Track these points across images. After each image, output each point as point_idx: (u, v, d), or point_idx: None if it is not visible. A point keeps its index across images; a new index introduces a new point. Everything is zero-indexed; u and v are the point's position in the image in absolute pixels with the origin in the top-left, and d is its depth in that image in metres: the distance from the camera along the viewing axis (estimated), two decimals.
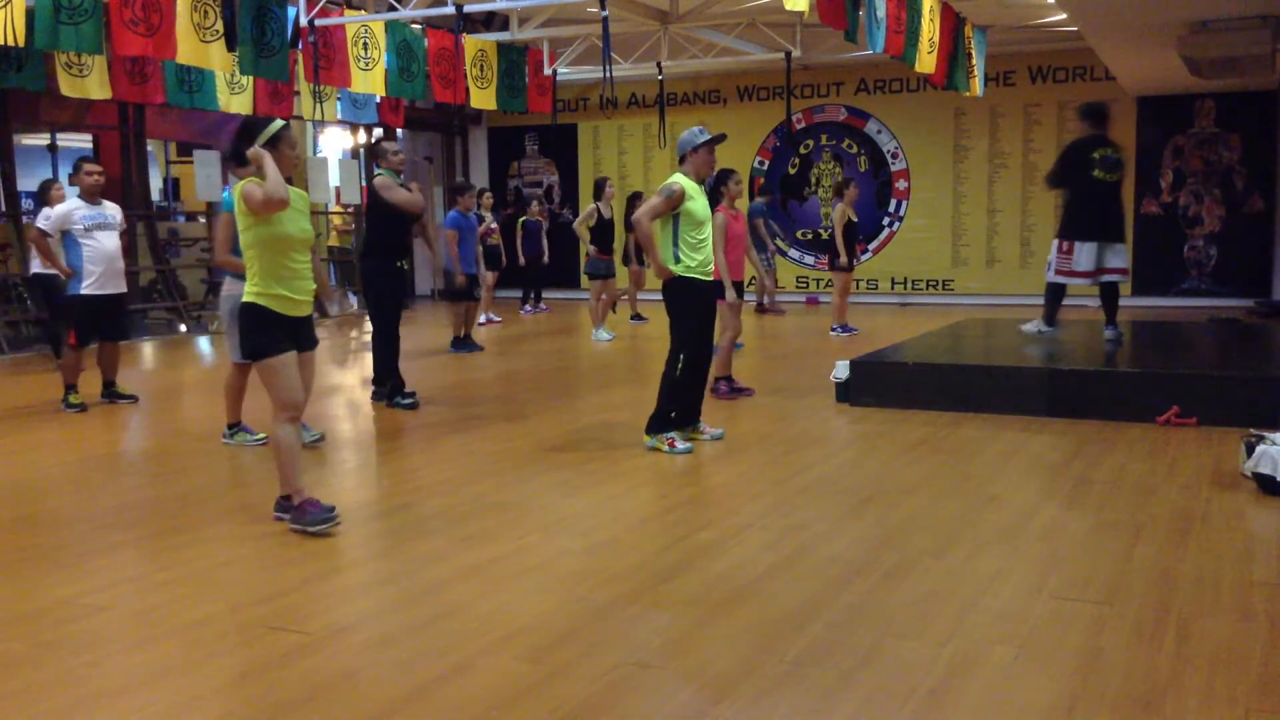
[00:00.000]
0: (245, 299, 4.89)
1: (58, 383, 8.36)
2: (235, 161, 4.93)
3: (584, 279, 13.66)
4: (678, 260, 6.47)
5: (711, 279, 6.68)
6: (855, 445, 6.85)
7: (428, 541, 4.89)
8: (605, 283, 12.74)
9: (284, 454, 4.94)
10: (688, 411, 6.73)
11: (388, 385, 8.25)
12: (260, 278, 4.84)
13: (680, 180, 6.46)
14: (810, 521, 5.01)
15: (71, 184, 8.29)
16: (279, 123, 4.88)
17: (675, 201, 6.40)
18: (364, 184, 17.45)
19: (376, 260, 8.17)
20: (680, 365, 6.52)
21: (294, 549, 4.70)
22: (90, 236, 7.91)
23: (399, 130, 17.84)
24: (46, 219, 8.10)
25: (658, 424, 6.56)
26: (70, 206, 8.00)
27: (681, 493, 5.74)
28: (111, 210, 8.13)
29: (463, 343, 11.60)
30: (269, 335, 4.84)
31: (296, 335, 4.93)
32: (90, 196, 8.01)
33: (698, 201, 6.48)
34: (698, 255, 6.49)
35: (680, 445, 6.49)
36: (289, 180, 4.93)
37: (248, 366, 6.80)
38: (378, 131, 15.00)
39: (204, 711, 3.16)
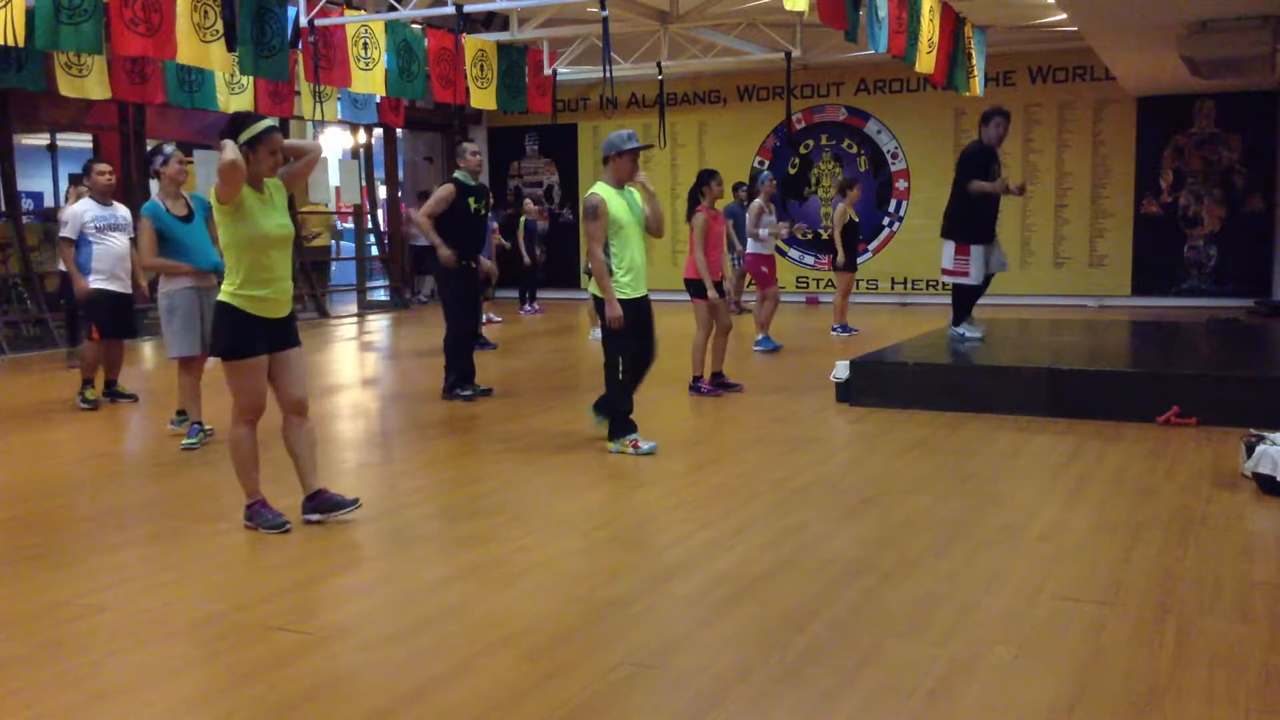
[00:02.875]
0: (221, 298, 4.87)
1: (57, 383, 8.37)
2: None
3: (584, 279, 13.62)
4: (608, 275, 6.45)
5: (640, 294, 6.60)
6: (855, 445, 6.86)
7: (428, 541, 4.90)
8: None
9: (238, 456, 4.95)
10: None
11: (452, 377, 8.42)
12: (238, 278, 4.81)
13: (599, 191, 6.45)
14: (810, 521, 5.01)
15: (84, 183, 8.30)
16: (265, 124, 4.80)
17: (605, 215, 6.38)
18: (363, 184, 17.46)
19: (428, 252, 8.28)
20: (621, 367, 6.53)
21: (294, 549, 4.70)
22: (102, 236, 7.97)
23: (398, 130, 17.85)
24: (65, 225, 8.10)
25: (618, 428, 6.55)
26: (83, 208, 8.04)
27: (681, 493, 5.74)
28: (122, 212, 8.18)
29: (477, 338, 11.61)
30: (242, 337, 4.81)
31: (274, 337, 4.90)
32: (102, 196, 8.06)
33: (615, 204, 6.45)
34: (621, 265, 6.46)
35: (645, 445, 6.47)
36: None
37: (191, 361, 6.94)
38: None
39: (204, 711, 3.16)
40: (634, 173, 6.56)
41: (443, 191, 8.16)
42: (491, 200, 11.57)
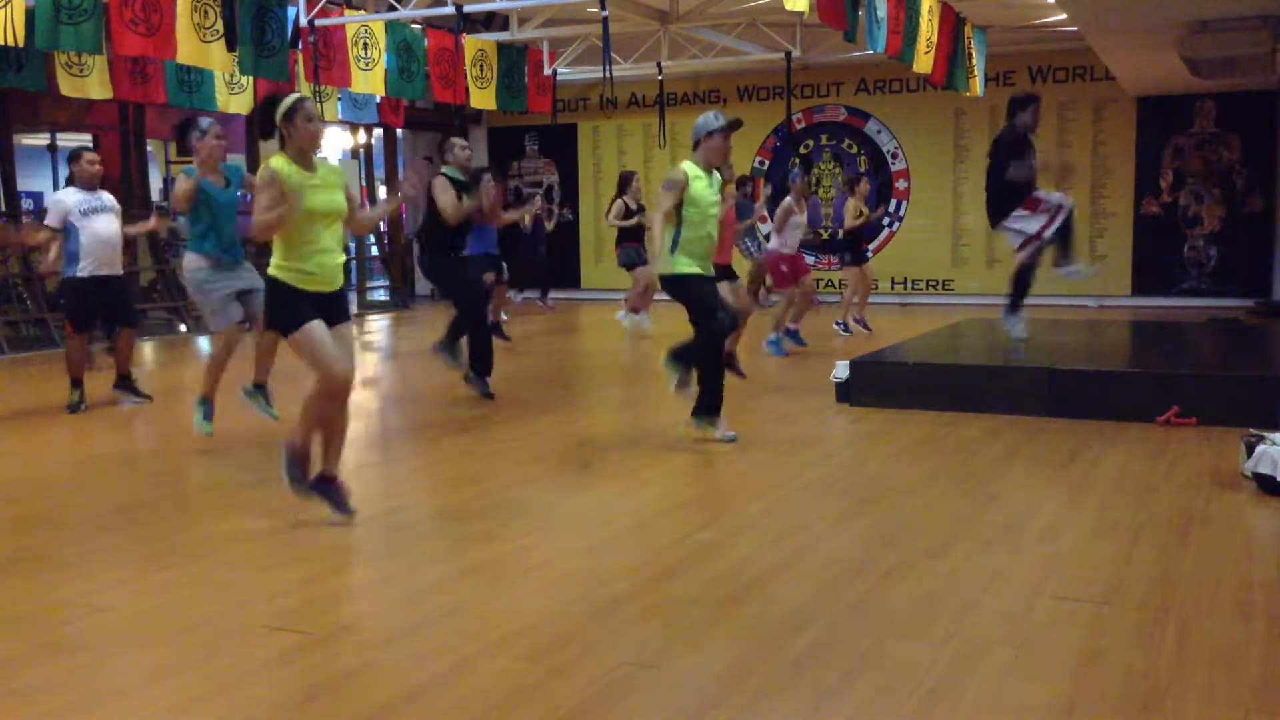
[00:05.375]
0: (269, 272, 4.88)
1: (57, 383, 8.35)
2: (261, 133, 4.92)
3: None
4: (673, 251, 6.40)
5: (710, 273, 6.58)
6: (855, 445, 6.85)
7: (428, 541, 4.89)
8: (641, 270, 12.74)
9: (310, 412, 4.93)
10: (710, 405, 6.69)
11: (466, 359, 8.31)
12: (282, 252, 4.81)
13: (684, 166, 6.41)
14: (810, 521, 5.01)
15: (71, 171, 8.19)
16: (293, 97, 4.85)
17: (679, 191, 6.34)
18: (363, 184, 17.47)
19: (432, 255, 8.23)
20: (709, 337, 6.48)
21: (294, 549, 4.70)
22: (87, 219, 7.83)
23: (398, 130, 17.85)
24: (49, 215, 8.02)
25: (707, 407, 6.56)
26: (66, 194, 7.93)
27: (681, 493, 5.74)
28: (108, 197, 8.07)
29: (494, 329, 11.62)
30: (291, 309, 4.81)
31: (321, 310, 4.88)
32: (88, 184, 7.95)
33: (700, 184, 6.40)
34: (688, 246, 6.40)
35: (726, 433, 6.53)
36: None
37: (235, 332, 6.81)
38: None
39: (204, 711, 3.16)
40: (727, 154, 6.56)
41: (441, 183, 8.07)
42: (493, 184, 11.52)
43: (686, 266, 6.44)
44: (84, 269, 7.89)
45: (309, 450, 5.01)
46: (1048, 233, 8.63)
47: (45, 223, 7.99)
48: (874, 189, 16.62)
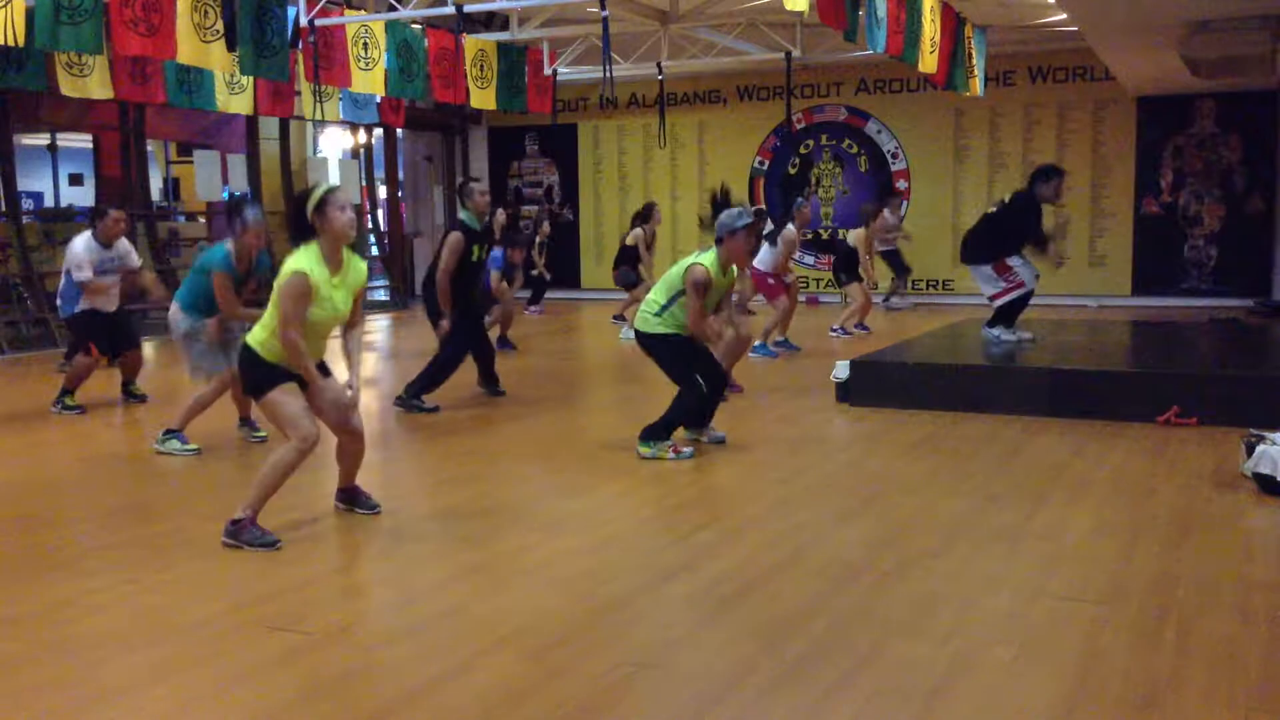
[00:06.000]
0: (248, 340, 4.75)
1: (56, 384, 8.35)
2: (295, 235, 4.69)
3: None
4: (659, 313, 6.40)
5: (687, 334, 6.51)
6: (855, 445, 6.86)
7: (428, 541, 4.89)
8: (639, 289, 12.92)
9: (273, 473, 4.71)
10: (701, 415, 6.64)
11: (417, 387, 8.10)
12: (268, 332, 4.67)
13: (705, 266, 6.27)
14: (810, 521, 5.01)
15: (94, 225, 8.18)
16: (323, 188, 4.68)
17: (707, 289, 6.28)
18: (363, 184, 17.46)
19: (434, 290, 8.12)
20: (703, 385, 6.36)
21: (294, 549, 4.70)
22: (96, 278, 7.99)
23: (399, 130, 17.84)
24: (80, 269, 7.98)
25: (658, 433, 6.33)
26: (87, 250, 7.97)
27: (682, 493, 5.74)
28: (122, 251, 8.14)
29: (503, 341, 11.67)
30: (264, 374, 4.69)
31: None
32: (108, 241, 8.04)
33: (713, 284, 6.34)
34: (675, 318, 6.39)
35: (685, 450, 6.33)
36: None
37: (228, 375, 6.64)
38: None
39: (204, 711, 3.16)
40: (752, 252, 6.54)
41: (454, 243, 7.88)
42: (496, 235, 11.55)
43: (665, 328, 6.43)
44: (83, 306, 8.07)
45: (260, 510, 4.76)
46: (998, 302, 9.01)
47: (80, 278, 7.98)
48: (873, 190, 16.64)
